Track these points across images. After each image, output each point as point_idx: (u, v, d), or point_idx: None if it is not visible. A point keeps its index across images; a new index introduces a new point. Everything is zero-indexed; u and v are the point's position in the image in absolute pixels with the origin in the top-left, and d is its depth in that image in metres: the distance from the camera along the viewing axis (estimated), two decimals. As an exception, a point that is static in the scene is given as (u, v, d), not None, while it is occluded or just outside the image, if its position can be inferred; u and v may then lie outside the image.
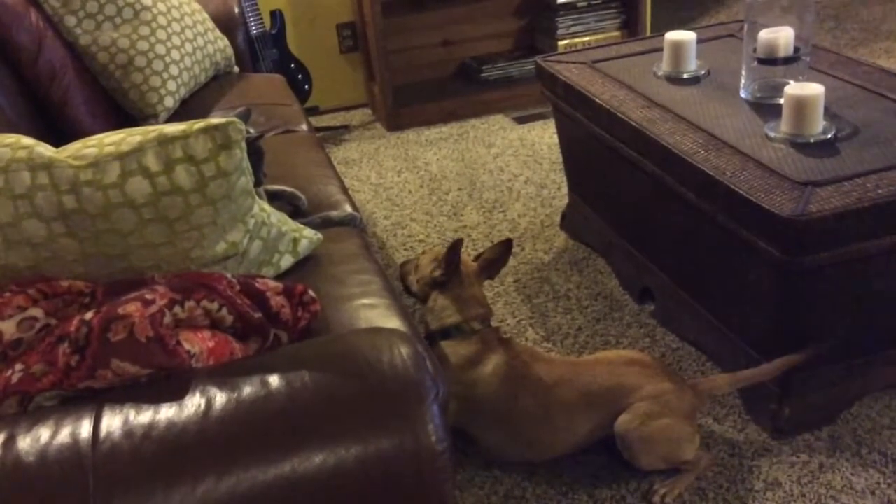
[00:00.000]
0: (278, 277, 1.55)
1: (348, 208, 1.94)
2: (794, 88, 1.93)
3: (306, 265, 1.64)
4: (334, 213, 1.87)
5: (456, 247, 1.80)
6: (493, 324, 1.93)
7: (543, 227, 2.85)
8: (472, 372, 1.76)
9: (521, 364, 1.79)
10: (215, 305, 1.27)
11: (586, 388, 1.77)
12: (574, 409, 1.76)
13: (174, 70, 2.45)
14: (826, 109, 1.93)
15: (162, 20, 2.46)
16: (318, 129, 3.61)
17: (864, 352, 1.91)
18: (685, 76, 2.35)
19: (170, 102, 2.43)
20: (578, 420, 1.77)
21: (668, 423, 1.73)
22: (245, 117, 1.78)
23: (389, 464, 1.07)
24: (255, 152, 1.75)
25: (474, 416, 1.77)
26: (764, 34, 2.12)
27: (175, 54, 2.47)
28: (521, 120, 3.77)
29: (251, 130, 1.74)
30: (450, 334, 1.81)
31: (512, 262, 2.59)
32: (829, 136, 1.91)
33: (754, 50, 2.15)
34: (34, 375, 1.15)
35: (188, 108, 2.52)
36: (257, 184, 1.77)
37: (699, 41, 2.39)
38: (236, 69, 2.89)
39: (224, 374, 1.14)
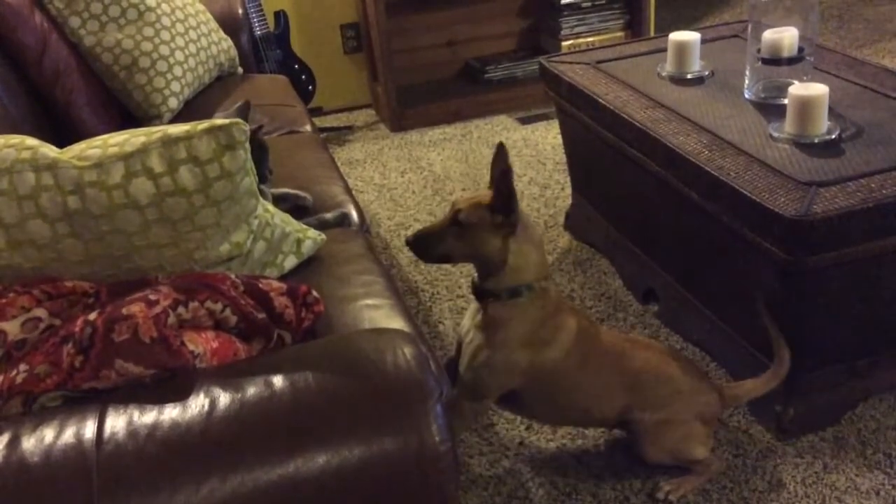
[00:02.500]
0: (282, 278, 1.55)
1: (351, 207, 1.94)
2: (798, 89, 1.93)
3: (310, 266, 1.64)
4: (328, 215, 1.86)
5: (507, 174, 1.54)
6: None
7: (547, 227, 2.85)
8: (545, 335, 1.65)
9: (591, 329, 1.72)
10: (219, 306, 1.27)
11: (640, 367, 1.72)
12: (619, 383, 1.72)
13: (178, 71, 2.45)
14: (830, 110, 1.93)
15: (166, 21, 2.46)
16: (322, 130, 3.62)
17: (868, 353, 1.90)
18: (689, 76, 2.35)
19: (174, 103, 2.44)
20: (618, 396, 1.72)
21: (686, 419, 1.72)
22: (244, 111, 1.77)
23: (393, 464, 1.07)
24: (259, 147, 1.74)
25: (534, 381, 1.68)
26: (768, 34, 2.12)
27: (179, 55, 2.47)
28: (524, 120, 3.77)
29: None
30: (520, 293, 1.62)
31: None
32: (833, 136, 1.90)
33: (758, 50, 2.15)
34: (38, 376, 1.15)
35: (192, 109, 2.52)
36: (262, 180, 1.76)
37: (703, 41, 2.39)
38: (240, 70, 2.89)
39: (228, 374, 1.14)
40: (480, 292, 1.66)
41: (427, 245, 1.62)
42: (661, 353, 1.78)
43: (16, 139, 1.35)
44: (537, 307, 1.64)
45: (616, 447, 1.89)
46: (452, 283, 2.56)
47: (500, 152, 1.60)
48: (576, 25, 3.95)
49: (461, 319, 2.36)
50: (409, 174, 3.35)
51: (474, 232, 1.58)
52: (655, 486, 1.78)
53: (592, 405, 1.75)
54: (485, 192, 1.62)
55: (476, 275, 1.67)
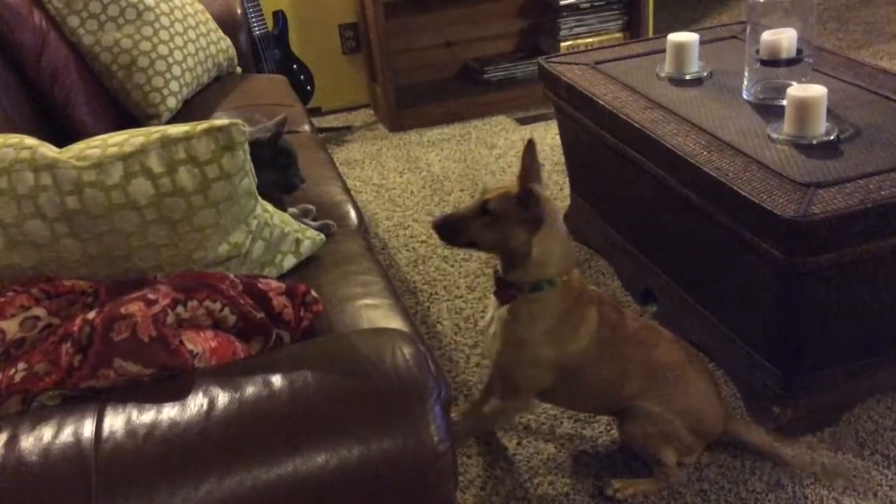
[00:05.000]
0: (281, 278, 1.55)
1: (349, 208, 1.94)
2: (796, 90, 1.93)
3: (309, 265, 1.64)
4: (312, 223, 1.84)
5: (527, 170, 1.54)
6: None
7: (545, 228, 2.85)
8: (568, 329, 1.66)
9: (614, 316, 1.71)
10: (218, 305, 1.27)
11: (660, 359, 1.72)
12: (636, 371, 1.71)
13: (177, 70, 2.45)
14: (829, 111, 1.93)
15: (165, 20, 2.46)
16: (321, 130, 3.62)
17: (866, 354, 1.90)
18: (688, 77, 2.35)
19: (172, 103, 2.44)
20: (634, 381, 1.71)
21: (675, 420, 1.71)
22: (281, 126, 1.74)
23: (392, 464, 1.07)
24: (284, 153, 1.72)
25: (562, 373, 1.68)
26: (766, 35, 2.12)
27: (178, 54, 2.47)
28: (523, 121, 3.77)
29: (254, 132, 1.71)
30: (541, 287, 1.62)
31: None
32: (831, 137, 1.91)
33: (757, 51, 2.15)
34: (37, 374, 1.15)
35: (191, 109, 2.52)
36: (293, 188, 1.73)
37: (702, 42, 2.39)
38: (239, 70, 2.89)
39: (226, 373, 1.14)
40: (502, 283, 1.65)
41: (454, 230, 1.60)
42: (686, 353, 1.78)
43: (14, 139, 1.35)
44: (558, 300, 1.63)
45: (614, 447, 1.89)
46: (450, 283, 2.57)
47: (529, 148, 1.58)
48: (574, 26, 3.95)
49: (459, 320, 2.37)
50: (408, 174, 3.35)
51: (501, 222, 1.57)
52: (605, 483, 1.78)
53: (608, 390, 1.74)
54: (514, 182, 1.60)
55: (499, 265, 1.66)
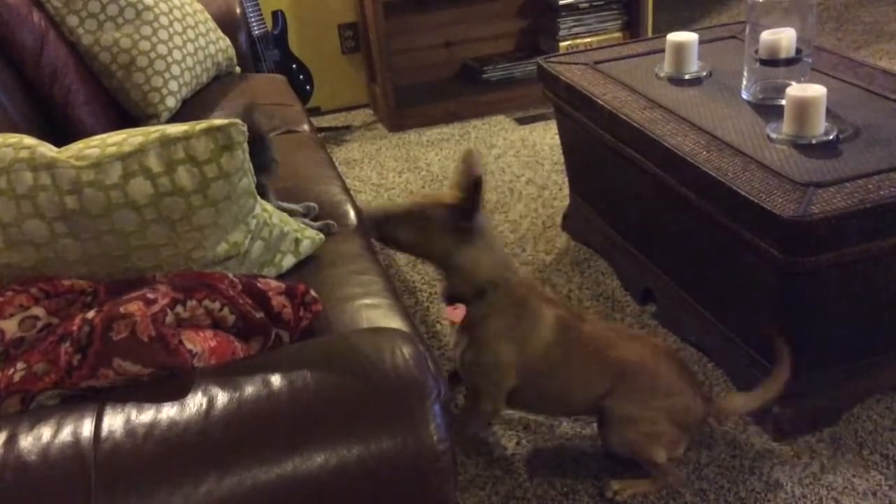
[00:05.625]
0: (280, 277, 1.55)
1: (348, 207, 1.94)
2: (795, 90, 1.93)
3: (308, 265, 1.64)
4: (314, 224, 1.84)
5: (480, 183, 1.54)
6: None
7: (545, 227, 2.85)
8: (525, 327, 1.69)
9: (572, 319, 1.73)
10: (217, 305, 1.27)
11: (624, 358, 1.72)
12: (601, 372, 1.71)
13: (176, 70, 2.45)
14: (828, 111, 1.93)
15: (164, 20, 2.46)
16: (320, 130, 3.62)
17: (865, 353, 1.91)
18: (687, 77, 2.35)
19: (171, 102, 2.44)
20: (599, 383, 1.72)
21: (656, 418, 1.70)
22: (250, 114, 1.74)
23: (391, 464, 1.07)
24: (259, 141, 1.71)
25: (525, 375, 1.71)
26: (766, 35, 2.12)
27: (177, 54, 2.47)
28: (522, 121, 3.78)
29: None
30: (485, 291, 1.65)
31: (514, 262, 2.58)
32: (830, 137, 1.91)
33: (756, 51, 2.15)
34: (36, 374, 1.15)
35: (190, 108, 2.52)
36: (265, 166, 1.70)
37: (701, 42, 2.39)
38: (238, 69, 2.89)
39: (226, 373, 1.14)
40: (449, 297, 1.69)
41: (385, 224, 1.60)
42: (651, 349, 1.77)
43: (14, 138, 1.35)
44: (506, 301, 1.67)
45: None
46: (450, 283, 2.56)
47: (473, 157, 1.60)
48: (574, 26, 3.95)
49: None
50: (407, 174, 3.35)
51: (430, 227, 1.58)
52: (604, 484, 1.78)
53: (573, 393, 1.75)
54: (449, 193, 1.62)
55: (443, 280, 1.70)
